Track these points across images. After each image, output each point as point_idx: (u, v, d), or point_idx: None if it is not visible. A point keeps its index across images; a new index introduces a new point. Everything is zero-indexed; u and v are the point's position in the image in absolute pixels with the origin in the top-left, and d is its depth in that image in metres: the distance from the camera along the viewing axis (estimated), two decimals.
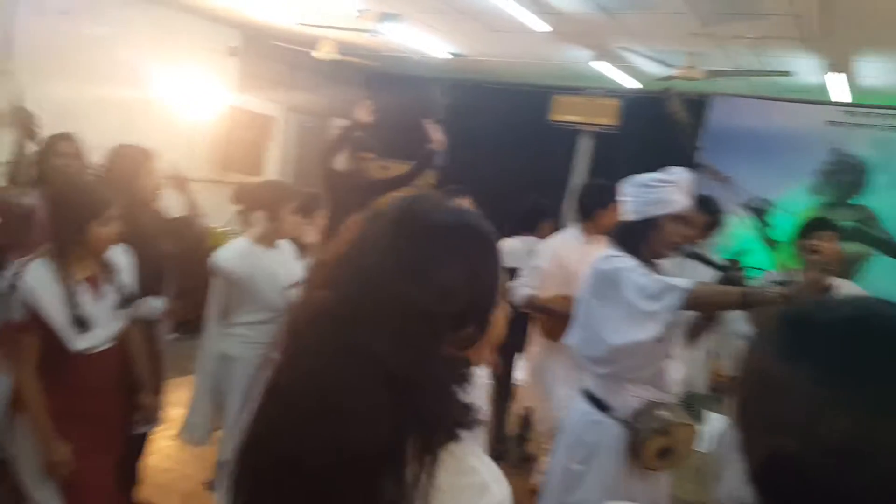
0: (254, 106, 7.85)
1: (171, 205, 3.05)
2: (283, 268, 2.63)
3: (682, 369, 2.30)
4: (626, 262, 2.13)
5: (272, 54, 7.96)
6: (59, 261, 1.98)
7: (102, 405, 2.14)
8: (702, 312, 2.17)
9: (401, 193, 0.85)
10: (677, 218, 2.16)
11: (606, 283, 2.14)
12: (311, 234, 2.95)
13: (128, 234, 2.34)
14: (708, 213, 3.07)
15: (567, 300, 3.17)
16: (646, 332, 2.01)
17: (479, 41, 6.29)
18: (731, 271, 2.12)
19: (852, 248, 6.37)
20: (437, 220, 0.80)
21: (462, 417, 0.78)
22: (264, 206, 2.63)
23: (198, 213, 2.87)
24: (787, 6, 4.07)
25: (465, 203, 3.43)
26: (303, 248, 2.88)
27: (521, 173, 7.52)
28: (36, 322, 1.92)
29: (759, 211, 6.80)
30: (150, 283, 2.48)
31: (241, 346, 2.56)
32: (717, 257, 2.40)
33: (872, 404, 0.54)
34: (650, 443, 2.11)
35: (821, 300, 0.69)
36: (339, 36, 6.51)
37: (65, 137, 2.78)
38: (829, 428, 0.55)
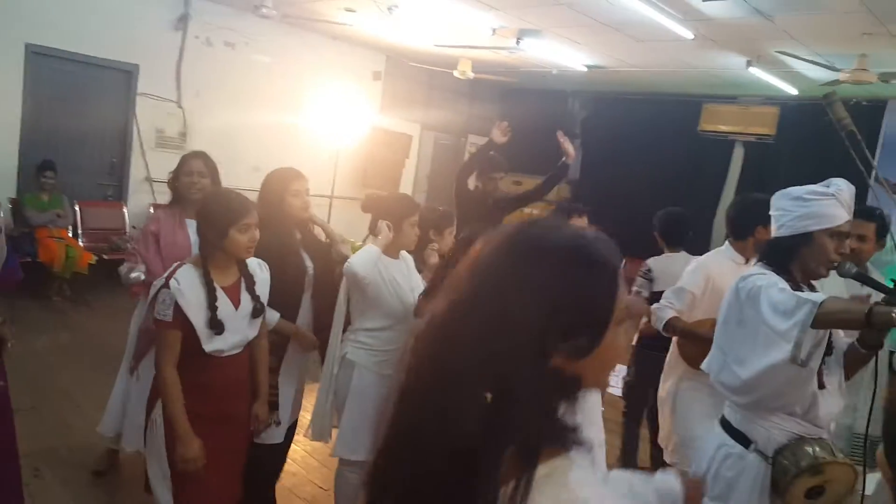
0: (393, 125, 8.14)
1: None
2: (405, 278, 2.70)
3: (841, 403, 2.03)
4: (766, 279, 1.92)
5: (412, 76, 8.23)
6: (204, 267, 2.14)
7: (227, 408, 2.24)
8: (829, 328, 1.89)
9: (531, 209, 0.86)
10: (835, 233, 1.93)
11: (746, 303, 1.95)
12: (438, 249, 2.97)
13: (275, 250, 2.50)
14: (879, 224, 2.68)
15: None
16: (779, 352, 1.80)
17: (621, 52, 6.09)
18: None
19: None
20: (549, 242, 0.81)
21: (562, 435, 0.78)
22: (389, 216, 2.70)
23: (335, 241, 2.97)
24: None
25: (581, 221, 3.34)
26: (424, 262, 2.95)
27: (668, 186, 7.16)
28: (179, 321, 2.06)
29: None
30: (288, 298, 2.60)
31: (360, 351, 2.64)
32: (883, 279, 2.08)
33: None
34: (799, 482, 1.87)
35: None
36: (477, 55, 6.58)
37: (197, 156, 2.95)
38: None
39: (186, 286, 2.09)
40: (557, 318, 0.77)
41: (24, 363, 3.90)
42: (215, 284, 2.16)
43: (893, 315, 1.66)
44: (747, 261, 3.01)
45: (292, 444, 3.19)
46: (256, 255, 2.33)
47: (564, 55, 6.42)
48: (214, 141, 6.49)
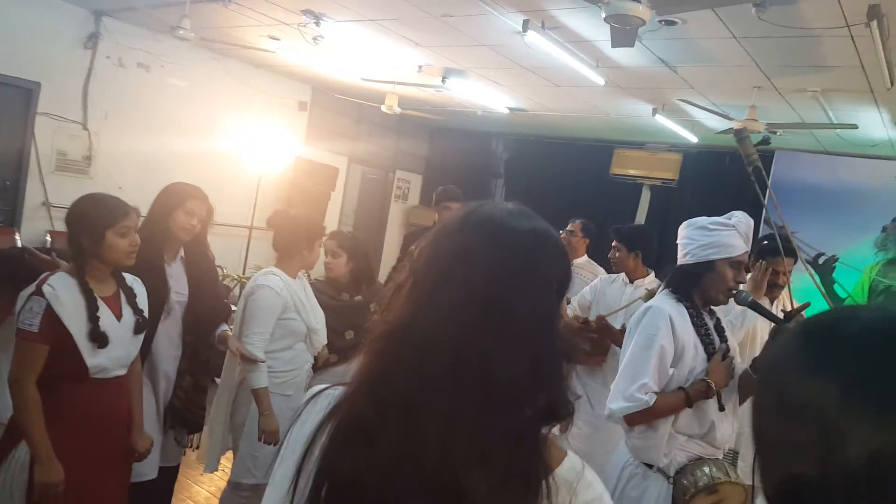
0: (319, 157, 8.15)
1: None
2: (306, 297, 2.73)
3: (736, 425, 2.20)
4: (659, 328, 2.05)
5: (339, 108, 8.31)
6: (80, 275, 1.95)
7: (110, 441, 2.05)
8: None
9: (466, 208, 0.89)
10: (734, 263, 2.11)
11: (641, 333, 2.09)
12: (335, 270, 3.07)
13: (136, 267, 2.27)
14: (794, 256, 3.06)
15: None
16: (616, 405, 2.03)
17: (540, 95, 6.42)
18: (787, 323, 2.04)
19: None
20: (517, 227, 0.83)
21: (568, 406, 0.81)
22: (299, 235, 2.71)
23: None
24: (853, 57, 4.03)
25: None
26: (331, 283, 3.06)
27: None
28: (48, 334, 1.85)
29: (824, 267, 6.58)
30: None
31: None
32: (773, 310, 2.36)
33: None
34: (696, 500, 2.00)
35: (844, 308, 0.62)
36: (404, 91, 6.75)
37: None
38: (854, 451, 0.49)
39: (63, 293, 1.89)
40: (548, 298, 0.81)
41: None
42: (95, 294, 1.96)
43: (707, 385, 2.01)
44: (632, 280, 3.63)
45: (197, 486, 3.05)
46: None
47: (488, 96, 6.70)
48: (123, 166, 6.23)
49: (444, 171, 9.04)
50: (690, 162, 7.44)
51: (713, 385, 2.02)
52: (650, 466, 2.09)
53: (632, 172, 7.83)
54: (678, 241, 2.21)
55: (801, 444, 0.53)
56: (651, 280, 3.63)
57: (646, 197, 7.88)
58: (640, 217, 7.81)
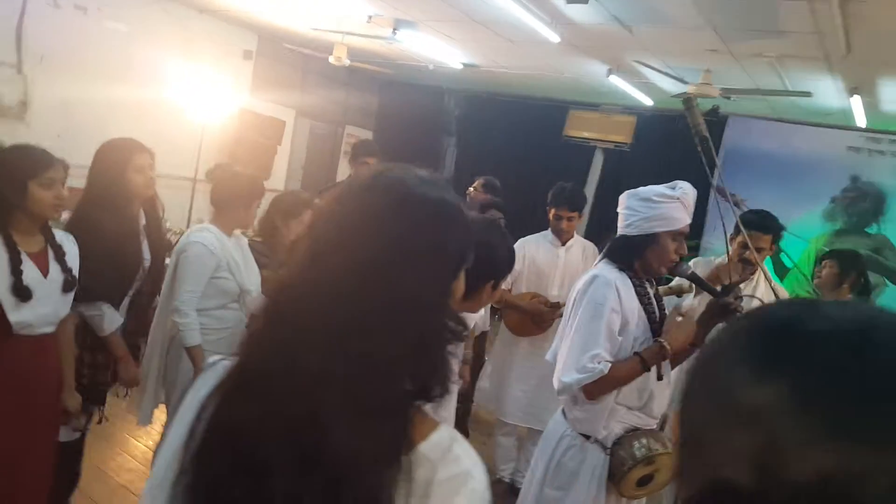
0: (265, 109, 7.83)
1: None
2: (242, 257, 2.65)
3: (669, 393, 2.19)
4: (607, 297, 2.01)
5: (286, 58, 7.96)
6: (3, 227, 1.91)
7: (35, 394, 2.02)
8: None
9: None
10: (677, 235, 2.06)
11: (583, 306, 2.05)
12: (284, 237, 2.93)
13: (112, 232, 2.28)
14: (773, 232, 2.94)
15: (536, 298, 3.53)
16: (569, 377, 1.98)
17: (494, 51, 6.23)
18: (725, 297, 2.01)
19: None
20: (426, 195, 0.80)
21: (446, 386, 0.78)
22: (238, 194, 2.62)
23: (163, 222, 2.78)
24: (810, 23, 3.96)
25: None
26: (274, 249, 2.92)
27: (535, 186, 7.43)
28: None
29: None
30: (114, 291, 2.38)
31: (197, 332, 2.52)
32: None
33: (869, 439, 0.43)
34: (633, 472, 2.00)
35: (809, 302, 0.54)
36: (354, 42, 6.48)
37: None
38: (802, 469, 0.44)
39: None
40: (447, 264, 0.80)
41: None
42: (19, 248, 1.91)
43: (661, 346, 1.98)
44: (563, 243, 3.58)
45: (133, 440, 3.01)
46: (89, 236, 2.12)
47: (440, 50, 6.47)
48: (60, 112, 5.92)
49: (395, 127, 8.79)
50: (644, 125, 7.39)
51: (668, 347, 2.00)
52: (587, 437, 2.09)
53: (585, 135, 7.75)
54: (619, 210, 2.17)
55: (740, 451, 0.47)
56: (579, 240, 3.66)
57: (598, 160, 7.82)
58: (592, 180, 7.76)
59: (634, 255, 2.09)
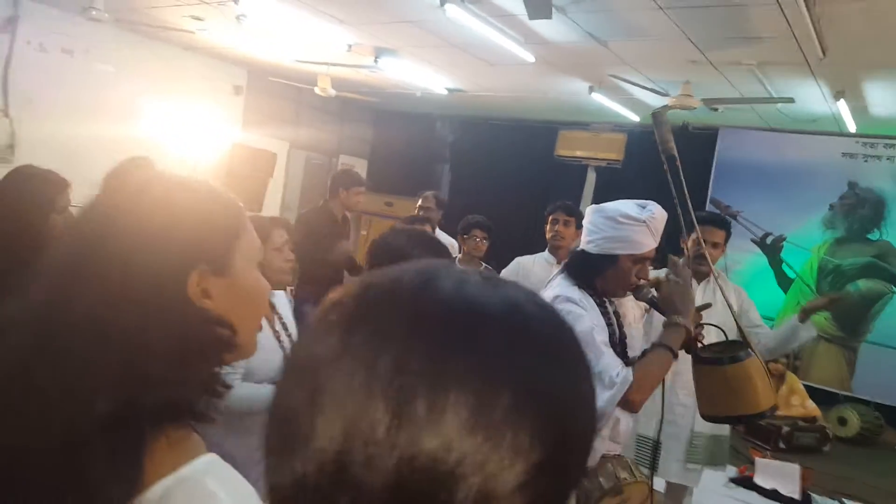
0: (258, 143, 7.87)
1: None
2: None
3: (632, 417, 2.07)
4: (582, 313, 1.91)
5: (278, 92, 8.01)
6: None
7: None
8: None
9: None
10: (639, 259, 1.95)
11: None
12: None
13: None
14: (728, 232, 2.95)
15: None
16: (601, 401, 1.82)
17: (475, 74, 6.22)
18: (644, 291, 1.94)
19: (868, 284, 6.03)
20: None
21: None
22: None
23: None
24: (784, 28, 3.89)
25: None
26: None
27: (530, 208, 7.38)
28: None
29: (772, 247, 6.50)
30: None
31: None
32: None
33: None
34: (601, 503, 1.88)
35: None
36: (338, 73, 6.50)
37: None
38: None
39: None
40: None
41: None
42: None
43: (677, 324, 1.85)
44: (560, 261, 3.35)
45: None
46: None
47: (424, 76, 6.47)
48: (49, 154, 5.83)
49: (391, 156, 8.83)
50: (634, 142, 7.32)
51: (689, 326, 1.87)
52: None
53: (577, 154, 7.70)
54: (584, 223, 2.06)
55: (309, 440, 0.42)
56: None
57: (591, 178, 7.76)
58: (587, 198, 7.68)
59: (594, 274, 1.99)
